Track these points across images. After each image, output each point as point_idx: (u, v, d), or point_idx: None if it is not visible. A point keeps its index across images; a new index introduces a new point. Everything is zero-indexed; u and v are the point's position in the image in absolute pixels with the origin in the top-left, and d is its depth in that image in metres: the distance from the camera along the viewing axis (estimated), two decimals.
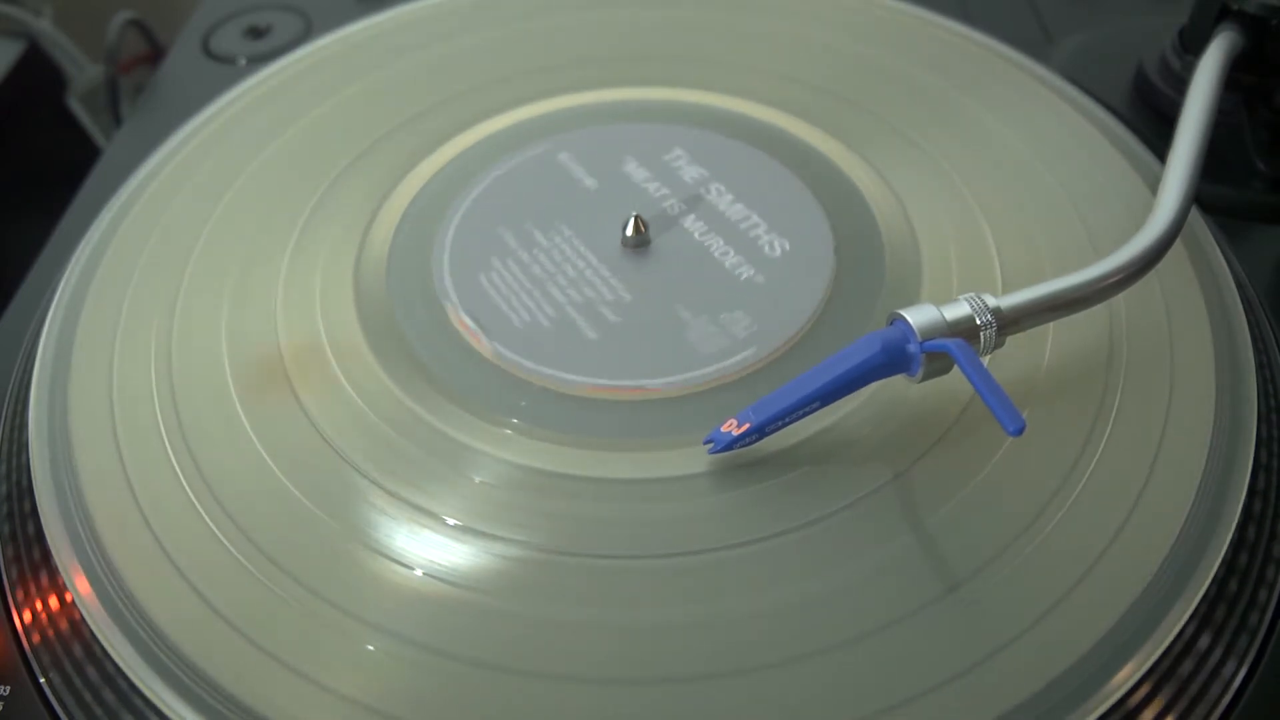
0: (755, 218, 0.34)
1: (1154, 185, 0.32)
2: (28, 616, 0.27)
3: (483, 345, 0.31)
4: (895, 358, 0.27)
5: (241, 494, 0.28)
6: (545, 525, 0.27)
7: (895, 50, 0.41)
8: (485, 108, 0.39)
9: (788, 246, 0.33)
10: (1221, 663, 0.25)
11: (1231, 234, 0.36)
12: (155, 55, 0.54)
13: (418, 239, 0.34)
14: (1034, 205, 0.34)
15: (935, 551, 0.26)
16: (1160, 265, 0.29)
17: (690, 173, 0.36)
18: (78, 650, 0.26)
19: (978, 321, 0.27)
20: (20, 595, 0.27)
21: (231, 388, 0.30)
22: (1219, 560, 0.26)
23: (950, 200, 0.35)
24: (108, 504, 0.28)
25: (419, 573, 0.26)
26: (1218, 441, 0.28)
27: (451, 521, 0.27)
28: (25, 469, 0.29)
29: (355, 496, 0.27)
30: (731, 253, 0.33)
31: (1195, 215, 0.34)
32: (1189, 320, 0.31)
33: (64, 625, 0.26)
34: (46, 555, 0.27)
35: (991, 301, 0.27)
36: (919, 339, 0.26)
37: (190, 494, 0.28)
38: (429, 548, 0.26)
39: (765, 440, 0.28)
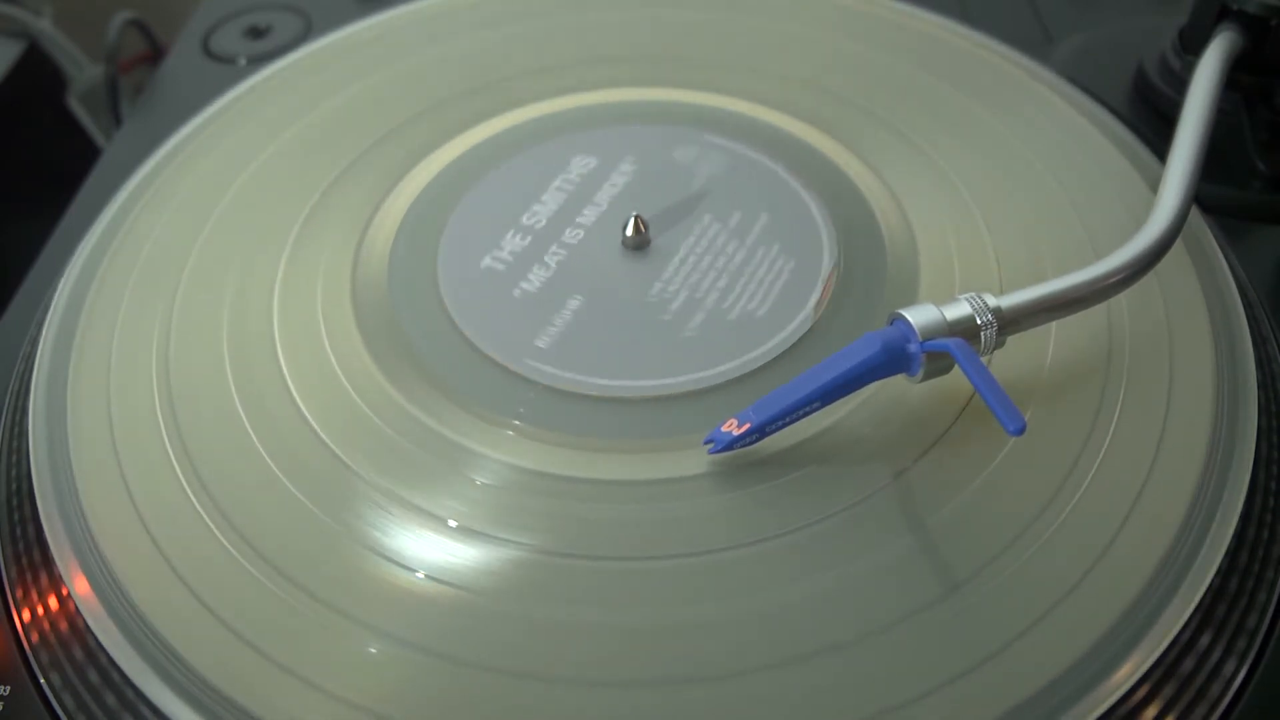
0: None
1: (1154, 185, 0.32)
2: (27, 616, 0.27)
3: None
4: (895, 357, 0.27)
5: (240, 495, 0.27)
6: (547, 526, 0.27)
7: (895, 50, 0.41)
8: (486, 108, 0.39)
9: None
10: (1221, 663, 0.25)
11: (1231, 234, 0.36)
12: (155, 55, 0.54)
13: (418, 239, 0.34)
14: (1034, 205, 0.34)
15: (936, 552, 0.26)
16: (1160, 265, 0.29)
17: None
18: (76, 650, 0.26)
19: (978, 321, 0.27)
20: (20, 595, 0.27)
21: (231, 388, 0.30)
22: (1219, 561, 0.26)
23: (950, 200, 0.35)
24: (106, 504, 0.28)
25: (421, 575, 0.26)
26: (1217, 441, 0.28)
27: (453, 523, 0.27)
28: (25, 469, 0.29)
29: (355, 498, 0.27)
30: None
31: (1195, 215, 0.34)
32: (1189, 320, 0.31)
33: (63, 625, 0.26)
34: (45, 555, 0.27)
35: (992, 301, 0.27)
36: (919, 339, 0.26)
37: (189, 495, 0.27)
38: (431, 550, 0.26)
39: (765, 440, 0.27)
